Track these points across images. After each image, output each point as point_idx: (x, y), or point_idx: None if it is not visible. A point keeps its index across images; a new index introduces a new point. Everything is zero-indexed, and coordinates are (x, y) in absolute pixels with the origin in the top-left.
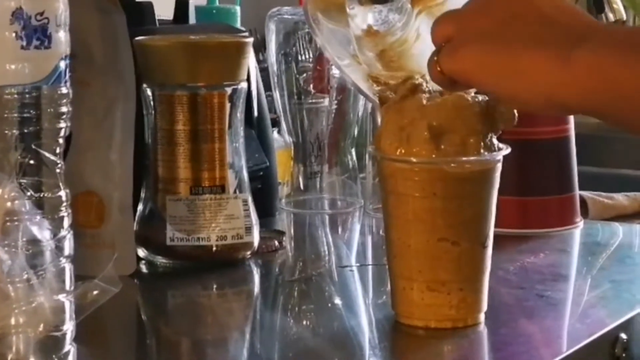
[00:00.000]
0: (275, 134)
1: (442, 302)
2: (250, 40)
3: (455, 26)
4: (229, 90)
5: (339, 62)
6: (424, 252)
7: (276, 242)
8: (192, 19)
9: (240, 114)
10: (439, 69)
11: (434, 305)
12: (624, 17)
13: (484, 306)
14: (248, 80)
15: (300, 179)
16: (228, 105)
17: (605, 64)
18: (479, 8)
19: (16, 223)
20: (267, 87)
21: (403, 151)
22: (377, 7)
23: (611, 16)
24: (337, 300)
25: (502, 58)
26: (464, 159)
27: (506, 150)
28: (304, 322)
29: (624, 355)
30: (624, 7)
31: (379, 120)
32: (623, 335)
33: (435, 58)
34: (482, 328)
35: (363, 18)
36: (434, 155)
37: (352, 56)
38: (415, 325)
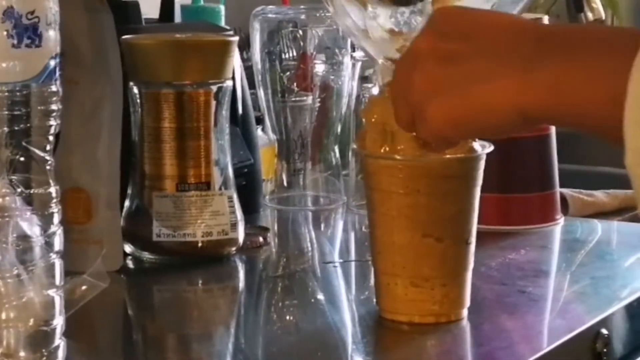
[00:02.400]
0: (259, 132)
1: (425, 298)
2: (236, 39)
3: (405, 99)
4: (214, 88)
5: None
6: (408, 248)
7: (261, 238)
8: (177, 18)
9: (225, 112)
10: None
11: (417, 301)
12: (603, 17)
13: (467, 302)
14: (233, 78)
15: (284, 176)
16: (214, 103)
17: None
18: (411, 71)
19: (6, 219)
20: (251, 85)
21: (387, 149)
22: (400, 8)
23: (590, 15)
24: (321, 296)
25: (462, 104)
26: (448, 156)
27: (489, 148)
28: (288, 318)
29: (605, 350)
30: (603, 6)
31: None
32: (604, 331)
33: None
34: (465, 323)
35: (385, 19)
36: (418, 153)
37: (363, 31)
38: (399, 321)
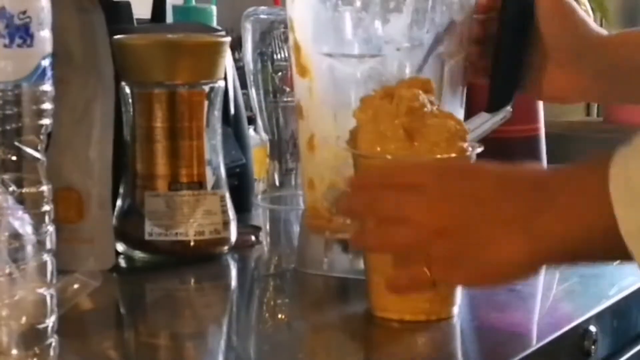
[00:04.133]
0: (251, 132)
1: (416, 296)
2: (228, 39)
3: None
4: (206, 88)
5: None
6: None
7: (253, 238)
8: (168, 19)
9: (217, 112)
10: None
11: (408, 299)
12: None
13: (457, 300)
14: (225, 78)
15: (276, 176)
16: (206, 103)
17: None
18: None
19: None
20: (243, 85)
21: (379, 149)
22: None
23: None
24: (312, 294)
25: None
26: (439, 156)
27: (479, 148)
28: (280, 316)
29: (593, 347)
30: (592, 9)
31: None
32: (592, 329)
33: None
34: (455, 321)
35: None
36: (409, 153)
37: None
38: (389, 318)
